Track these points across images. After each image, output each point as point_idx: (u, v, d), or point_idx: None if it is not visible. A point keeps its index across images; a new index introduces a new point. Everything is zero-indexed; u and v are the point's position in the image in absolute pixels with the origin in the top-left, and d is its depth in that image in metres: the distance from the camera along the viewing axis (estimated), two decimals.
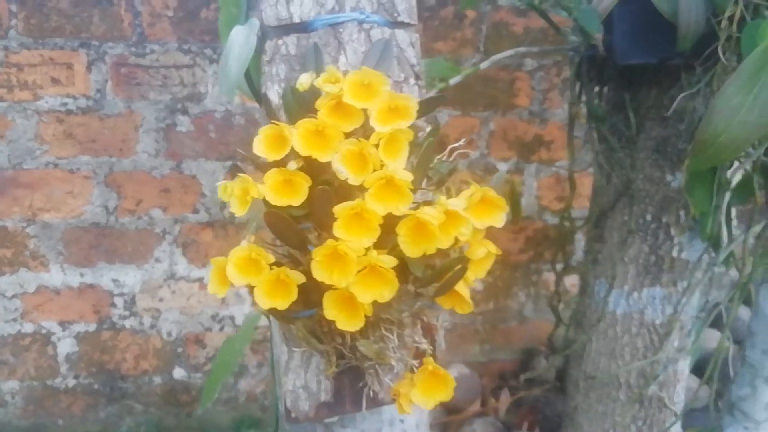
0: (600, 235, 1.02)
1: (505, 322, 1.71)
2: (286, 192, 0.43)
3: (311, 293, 0.44)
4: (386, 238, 0.42)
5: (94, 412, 1.58)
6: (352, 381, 0.48)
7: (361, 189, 0.42)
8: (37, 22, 1.40)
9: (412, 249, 0.42)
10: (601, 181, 0.99)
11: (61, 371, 1.55)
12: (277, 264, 0.43)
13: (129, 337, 1.56)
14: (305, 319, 0.46)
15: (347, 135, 0.43)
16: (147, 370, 1.58)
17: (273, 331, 0.51)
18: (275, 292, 0.43)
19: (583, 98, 0.97)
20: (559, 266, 1.10)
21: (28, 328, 1.52)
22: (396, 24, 0.48)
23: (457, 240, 0.44)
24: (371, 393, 0.48)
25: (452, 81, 0.82)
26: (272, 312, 0.45)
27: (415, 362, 0.48)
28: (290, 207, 0.43)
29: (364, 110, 0.43)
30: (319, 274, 0.41)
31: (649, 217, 0.96)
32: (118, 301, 1.54)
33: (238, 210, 0.43)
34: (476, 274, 0.48)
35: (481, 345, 1.72)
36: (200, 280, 1.56)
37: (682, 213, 0.95)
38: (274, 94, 0.48)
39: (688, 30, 0.70)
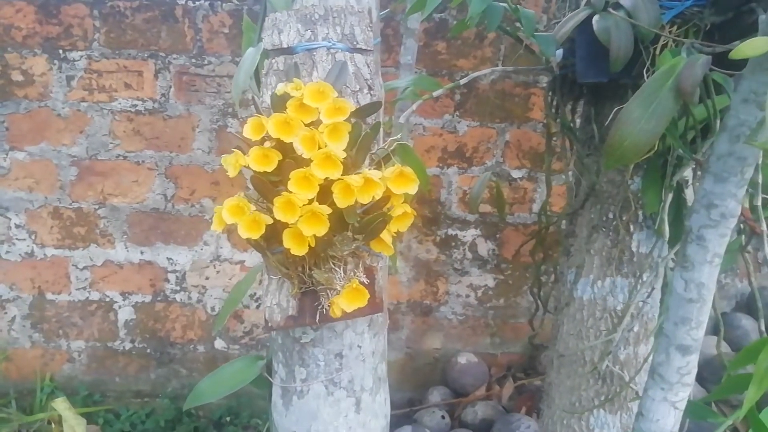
0: (572, 231, 1.17)
1: (514, 318, 1.85)
2: (264, 162, 0.62)
3: (280, 236, 0.63)
4: (326, 196, 0.61)
5: (146, 373, 1.83)
6: (311, 301, 0.66)
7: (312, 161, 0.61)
8: (115, 36, 1.67)
9: (341, 201, 0.61)
10: (572, 183, 1.15)
11: (120, 335, 1.80)
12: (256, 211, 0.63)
13: (178, 309, 1.80)
14: (278, 254, 0.65)
15: (307, 125, 0.62)
16: (192, 339, 1.82)
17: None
18: (251, 227, 0.62)
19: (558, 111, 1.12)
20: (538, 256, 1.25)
21: (95, 296, 1.78)
22: (355, 50, 0.67)
23: (379, 199, 0.62)
24: (324, 310, 0.66)
25: (435, 93, 1.00)
26: (253, 244, 0.64)
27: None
28: (266, 173, 0.62)
29: (317, 108, 0.62)
30: (278, 214, 0.60)
31: (611, 215, 1.10)
32: (171, 277, 1.78)
33: (231, 172, 0.63)
34: (398, 226, 0.65)
35: (492, 338, 1.86)
36: (242, 262, 1.79)
37: (640, 212, 1.09)
38: (267, 97, 0.68)
39: (618, 55, 0.86)
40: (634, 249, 1.11)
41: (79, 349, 1.81)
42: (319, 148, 0.61)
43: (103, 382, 1.83)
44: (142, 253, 1.77)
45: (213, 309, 1.80)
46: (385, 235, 0.64)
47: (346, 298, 0.62)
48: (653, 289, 1.10)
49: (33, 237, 1.75)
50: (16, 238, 1.75)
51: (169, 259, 1.77)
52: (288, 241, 0.61)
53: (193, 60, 1.69)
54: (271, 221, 0.61)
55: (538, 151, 1.77)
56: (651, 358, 1.01)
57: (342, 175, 0.61)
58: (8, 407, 1.73)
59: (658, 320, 1.10)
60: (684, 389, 0.82)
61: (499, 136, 1.76)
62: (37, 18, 1.65)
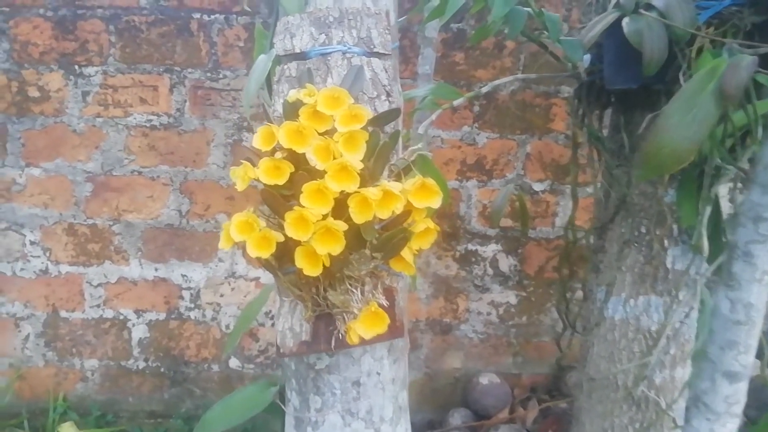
0: (601, 246, 1.10)
1: (538, 337, 1.78)
2: (275, 174, 0.57)
3: (292, 255, 0.58)
4: (342, 210, 0.55)
5: (160, 393, 1.78)
6: (326, 325, 0.61)
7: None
8: (130, 51, 1.64)
9: (358, 216, 0.55)
10: (601, 197, 1.08)
11: (134, 354, 1.76)
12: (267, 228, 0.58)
13: (193, 327, 1.75)
14: (290, 274, 0.60)
15: (321, 134, 0.57)
16: (207, 358, 1.77)
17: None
18: (261, 245, 0.57)
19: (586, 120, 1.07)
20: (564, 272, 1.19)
21: (109, 313, 1.74)
22: (372, 54, 0.62)
23: (400, 214, 0.57)
24: (340, 335, 0.60)
25: (455, 103, 0.94)
26: (263, 264, 0.59)
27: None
28: (277, 186, 0.57)
29: (332, 116, 0.57)
30: (290, 231, 0.55)
31: (643, 230, 1.04)
32: (185, 294, 1.74)
33: (239, 185, 0.58)
34: (420, 244, 0.60)
35: (514, 357, 1.79)
36: (257, 279, 1.74)
37: (674, 226, 1.02)
38: (279, 105, 0.63)
39: (651, 58, 0.80)
40: (669, 265, 1.04)
41: (93, 368, 1.77)
42: (334, 158, 0.56)
43: (117, 402, 1.78)
44: (156, 269, 1.73)
45: (228, 327, 1.75)
46: (406, 253, 0.59)
47: (364, 323, 0.57)
48: (691, 308, 1.03)
49: (47, 254, 1.72)
50: (31, 255, 1.72)
51: (183, 275, 1.73)
52: (300, 261, 0.56)
53: (209, 74, 1.66)
54: (282, 239, 0.56)
55: (560, 163, 1.71)
56: (690, 382, 0.93)
57: (359, 188, 0.55)
58: (21, 427, 1.69)
59: (696, 342, 1.02)
60: (732, 420, 0.75)
61: (519, 147, 1.70)
62: (53, 34, 1.64)
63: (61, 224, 1.71)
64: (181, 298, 1.74)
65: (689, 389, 0.85)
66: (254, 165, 0.60)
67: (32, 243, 1.71)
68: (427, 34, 1.16)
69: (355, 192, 0.55)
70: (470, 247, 1.74)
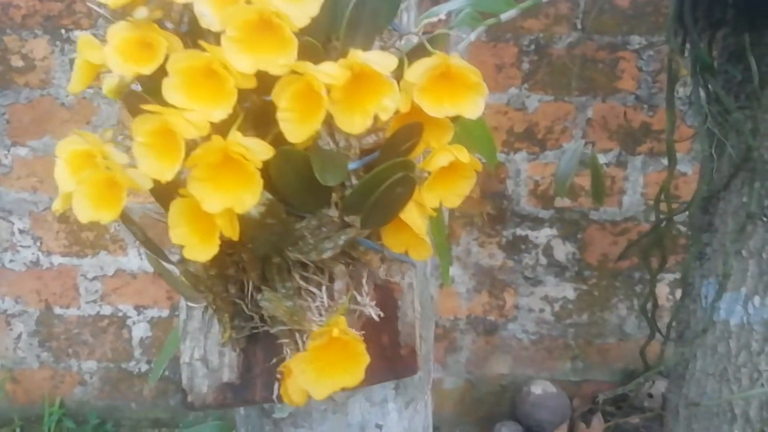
0: (709, 223, 0.77)
1: (602, 338, 1.45)
2: (138, 56, 0.29)
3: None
4: (265, 119, 0.27)
5: (165, 399, 1.53)
6: (266, 355, 0.32)
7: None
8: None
9: (296, 129, 0.26)
10: (711, 153, 0.75)
11: (135, 355, 1.51)
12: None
13: None
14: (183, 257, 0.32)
15: None
16: None
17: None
18: (103, 197, 0.29)
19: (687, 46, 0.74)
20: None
21: (106, 310, 1.50)
22: None
23: (397, 134, 0.27)
24: None
25: (503, 16, 0.64)
26: (137, 237, 0.31)
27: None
28: (144, 80, 0.29)
29: None
30: (142, 162, 0.27)
31: None
32: None
33: (74, 85, 0.31)
34: (443, 196, 0.30)
35: (573, 362, 1.47)
36: None
37: None
38: None
39: None
40: None
41: (91, 371, 1.53)
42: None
43: (118, 409, 1.54)
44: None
45: None
46: (412, 215, 0.29)
47: (319, 366, 0.27)
48: None
49: (38, 243, 1.48)
50: (20, 245, 1.49)
51: None
52: (179, 228, 0.27)
53: None
54: (150, 184, 0.28)
55: (629, 129, 1.37)
56: None
57: (297, 64, 0.26)
58: None
59: None
60: None
61: (578, 112, 1.38)
62: None
63: (51, 210, 1.47)
64: None
65: None
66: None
67: (21, 231, 1.48)
68: None
69: (291, 73, 0.26)
70: (519, 232, 1.43)
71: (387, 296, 0.33)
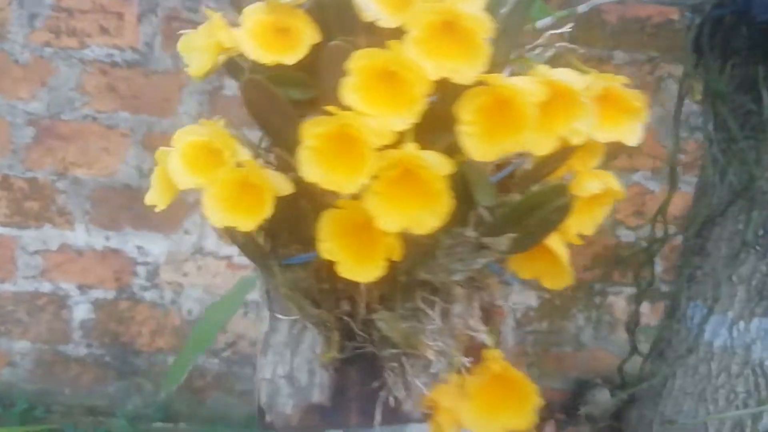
0: (701, 247, 0.79)
1: (558, 347, 1.47)
2: (278, 45, 0.25)
3: (309, 224, 0.26)
4: (438, 128, 0.23)
5: (103, 386, 1.43)
6: (363, 377, 0.29)
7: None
8: None
9: (483, 146, 0.23)
10: (713, 178, 0.76)
11: (74, 338, 1.41)
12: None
13: (147, 310, 1.40)
14: (297, 268, 0.27)
15: None
16: (162, 348, 1.42)
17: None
18: (238, 202, 0.25)
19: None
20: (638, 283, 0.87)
21: (46, 287, 1.39)
22: None
23: (567, 145, 0.25)
24: (391, 400, 0.28)
25: (539, 23, 0.63)
26: (241, 243, 0.27)
27: (467, 360, 0.29)
28: (281, 70, 0.25)
29: None
30: (311, 168, 0.23)
31: None
32: (141, 271, 1.39)
33: (199, 68, 0.26)
34: (581, 225, 0.28)
35: (529, 368, 1.48)
36: (229, 258, 1.40)
37: None
38: None
39: None
40: None
41: (23, 351, 1.41)
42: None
43: (50, 394, 1.43)
44: (107, 238, 1.38)
45: (190, 312, 1.41)
46: (556, 243, 0.27)
47: (482, 404, 0.25)
48: None
49: None
50: None
51: (139, 247, 1.38)
52: (331, 242, 0.24)
53: (188, 2, 1.31)
54: (287, 189, 0.24)
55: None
56: None
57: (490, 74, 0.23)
58: None
59: None
60: None
61: None
62: None
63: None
64: (136, 274, 1.39)
65: None
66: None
67: None
68: None
69: (480, 82, 0.23)
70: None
71: (489, 320, 0.30)
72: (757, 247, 0.73)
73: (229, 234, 0.27)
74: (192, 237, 1.38)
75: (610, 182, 0.29)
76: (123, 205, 1.36)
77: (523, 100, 0.24)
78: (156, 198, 0.28)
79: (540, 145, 0.24)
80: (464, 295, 0.30)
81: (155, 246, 1.38)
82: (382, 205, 0.24)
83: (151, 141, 1.35)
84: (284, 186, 0.25)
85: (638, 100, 0.27)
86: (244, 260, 1.40)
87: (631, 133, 0.27)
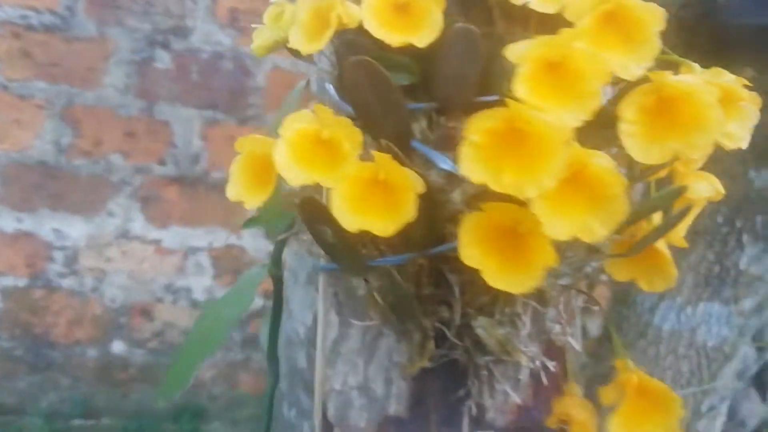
0: None
1: None
2: (398, 24, 0.22)
3: (417, 222, 0.23)
4: (596, 125, 0.22)
5: (13, 381, 1.30)
6: (445, 386, 0.27)
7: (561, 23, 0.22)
8: None
9: (646, 147, 0.22)
10: None
11: None
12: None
13: (64, 298, 1.29)
14: (391, 271, 0.24)
15: None
16: (80, 340, 1.31)
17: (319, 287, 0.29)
18: (368, 203, 0.22)
19: None
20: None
21: None
22: None
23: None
24: (474, 409, 0.27)
25: None
26: (330, 248, 0.23)
27: (551, 363, 0.28)
28: (404, 54, 0.22)
29: None
30: (477, 168, 0.20)
31: (720, 219, 0.78)
32: (58, 256, 1.27)
33: (308, 43, 0.22)
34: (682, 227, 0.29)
35: None
36: (157, 242, 1.31)
37: (758, 218, 0.77)
38: None
39: None
40: (742, 267, 0.78)
41: None
42: None
43: None
44: (19, 220, 1.25)
45: (113, 301, 1.31)
46: (662, 244, 0.27)
47: (629, 418, 0.23)
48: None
49: None
50: None
51: (56, 230, 1.26)
52: (476, 249, 0.21)
53: None
54: (423, 188, 0.21)
55: None
56: None
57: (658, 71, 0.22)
58: None
59: None
60: None
61: None
62: None
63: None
64: (52, 260, 1.27)
65: None
66: None
67: None
68: None
69: (646, 78, 0.22)
70: None
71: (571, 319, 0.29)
72: (706, 237, 0.77)
73: (318, 233, 0.24)
74: (116, 220, 1.28)
75: (716, 184, 0.29)
76: (37, 184, 1.24)
77: (700, 100, 0.23)
78: (244, 195, 0.24)
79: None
80: (558, 299, 0.29)
81: (74, 229, 1.27)
82: (551, 210, 0.22)
83: (72, 114, 1.24)
84: (419, 184, 0.22)
85: (754, 102, 0.27)
86: (175, 245, 1.32)
87: (742, 136, 0.27)
